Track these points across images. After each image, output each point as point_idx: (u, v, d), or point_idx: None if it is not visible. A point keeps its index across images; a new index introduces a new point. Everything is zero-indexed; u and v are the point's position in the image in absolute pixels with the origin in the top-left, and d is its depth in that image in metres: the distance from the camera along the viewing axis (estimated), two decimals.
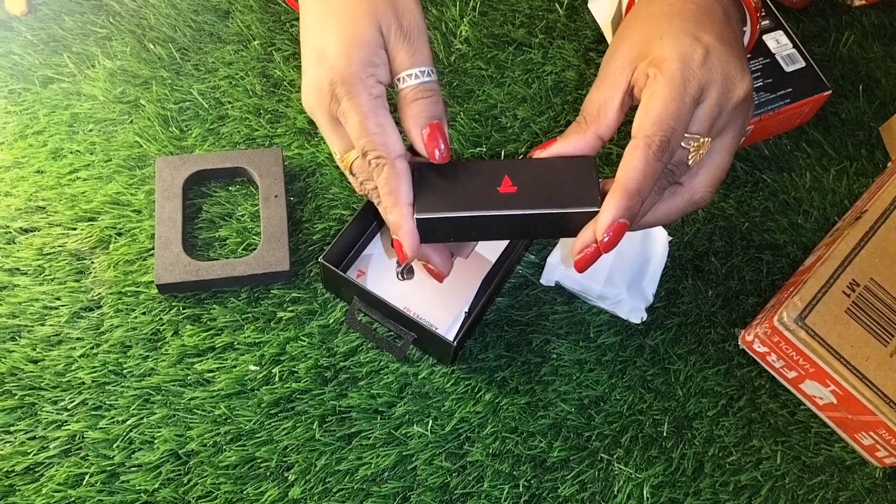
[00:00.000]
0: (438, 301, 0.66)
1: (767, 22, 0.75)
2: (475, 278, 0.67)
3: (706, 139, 0.49)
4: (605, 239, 0.49)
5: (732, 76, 0.48)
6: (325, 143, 0.72)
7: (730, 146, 0.51)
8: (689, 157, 0.49)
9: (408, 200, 0.50)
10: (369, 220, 0.67)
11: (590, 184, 0.50)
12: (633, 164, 0.47)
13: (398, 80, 0.50)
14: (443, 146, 0.50)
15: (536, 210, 0.50)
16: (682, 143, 0.48)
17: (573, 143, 0.51)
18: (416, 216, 0.50)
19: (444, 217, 0.50)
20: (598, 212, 0.49)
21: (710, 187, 0.51)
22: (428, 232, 0.51)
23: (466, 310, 0.65)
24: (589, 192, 0.50)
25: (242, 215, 0.69)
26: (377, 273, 0.66)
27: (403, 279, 0.66)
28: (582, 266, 0.51)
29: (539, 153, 0.52)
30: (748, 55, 0.67)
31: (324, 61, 0.49)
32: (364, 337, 0.65)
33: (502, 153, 0.73)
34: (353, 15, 0.49)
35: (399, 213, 0.50)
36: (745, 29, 0.55)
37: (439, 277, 0.56)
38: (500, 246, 0.68)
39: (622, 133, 0.57)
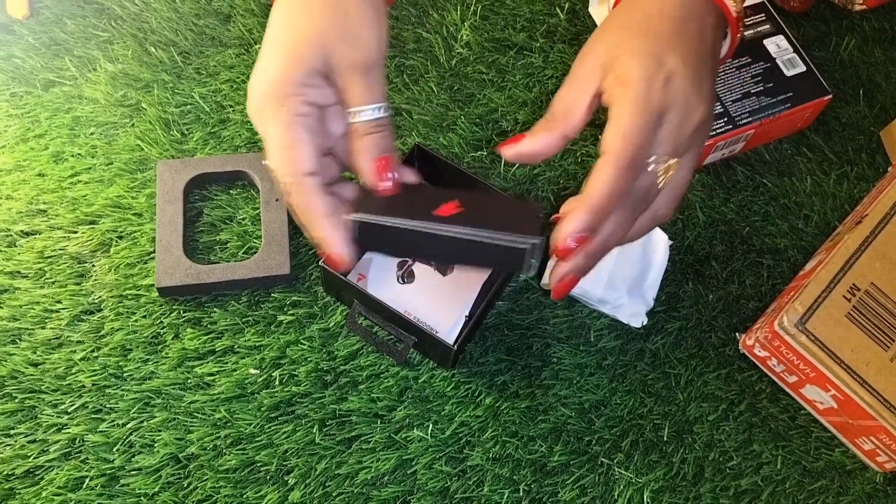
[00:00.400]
0: (439, 305, 0.66)
1: (768, 26, 0.76)
2: (476, 282, 0.67)
3: (674, 160, 0.49)
4: (567, 244, 0.48)
5: (692, 101, 0.49)
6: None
7: (690, 166, 0.52)
8: (659, 179, 0.49)
9: (325, 212, 0.50)
10: None
11: (533, 223, 0.51)
12: (602, 179, 0.48)
13: (350, 113, 0.50)
14: (390, 177, 0.51)
15: (475, 233, 0.50)
16: (652, 166, 0.49)
17: (541, 140, 0.51)
18: (353, 217, 0.50)
19: (380, 224, 0.50)
20: (535, 245, 0.49)
21: (672, 204, 0.52)
22: (365, 239, 0.51)
23: (467, 313, 0.65)
24: (530, 229, 0.50)
25: (243, 219, 0.69)
26: (378, 277, 0.66)
27: (404, 283, 0.66)
28: (559, 294, 0.52)
29: (508, 150, 0.52)
30: (730, 59, 0.67)
31: (265, 76, 0.50)
32: (364, 340, 0.65)
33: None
34: (301, 38, 0.50)
35: (320, 229, 0.50)
36: (724, 42, 0.55)
37: (340, 266, 0.52)
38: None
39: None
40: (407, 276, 0.67)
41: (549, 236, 0.49)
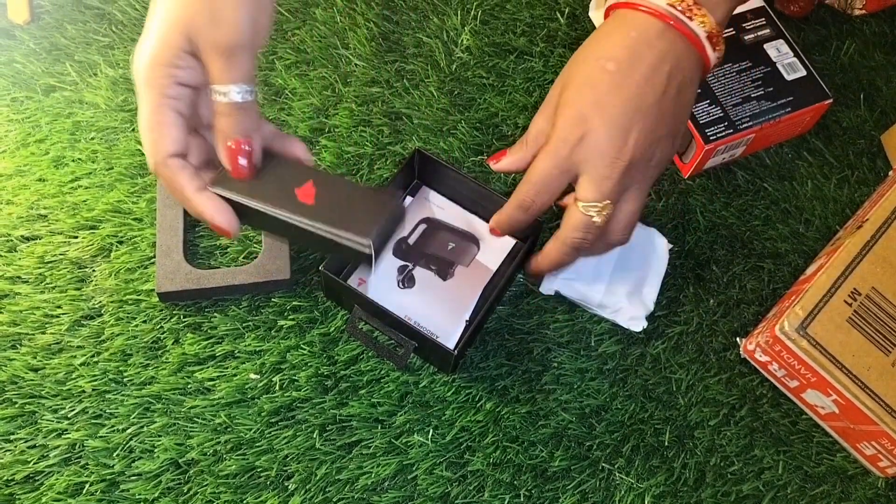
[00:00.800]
0: (439, 309, 0.66)
1: (768, 31, 0.76)
2: (476, 286, 0.67)
3: (605, 202, 0.56)
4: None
5: (608, 155, 0.54)
6: (326, 151, 0.72)
7: (636, 198, 0.57)
8: (595, 219, 0.56)
9: (194, 188, 0.52)
10: None
11: (375, 221, 0.53)
12: (503, 209, 0.60)
13: (212, 91, 0.51)
14: (243, 162, 0.53)
15: (314, 226, 0.53)
16: (584, 211, 0.56)
17: (517, 157, 0.60)
18: (210, 189, 0.53)
19: (231, 199, 0.53)
20: (367, 246, 0.52)
21: (623, 231, 0.59)
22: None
23: (467, 318, 0.65)
24: (367, 227, 0.52)
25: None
26: (378, 281, 0.66)
27: (404, 287, 0.66)
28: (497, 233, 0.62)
29: (492, 164, 0.61)
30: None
31: (137, 59, 0.51)
32: (365, 345, 0.65)
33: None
34: (169, 21, 0.50)
35: (192, 203, 0.52)
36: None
37: (227, 234, 0.54)
38: (500, 255, 0.68)
39: None
40: (407, 281, 0.67)
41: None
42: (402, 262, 0.67)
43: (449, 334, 0.65)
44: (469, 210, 0.70)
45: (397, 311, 0.62)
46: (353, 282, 0.66)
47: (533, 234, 0.66)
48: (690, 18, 0.54)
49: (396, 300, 0.65)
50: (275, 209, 0.53)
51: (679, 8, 0.54)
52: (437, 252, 0.68)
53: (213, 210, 0.53)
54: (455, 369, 0.65)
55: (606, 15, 0.59)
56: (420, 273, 0.67)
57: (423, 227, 0.69)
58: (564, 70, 0.58)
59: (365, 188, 0.55)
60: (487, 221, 0.67)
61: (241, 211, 0.54)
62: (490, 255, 0.68)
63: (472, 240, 0.69)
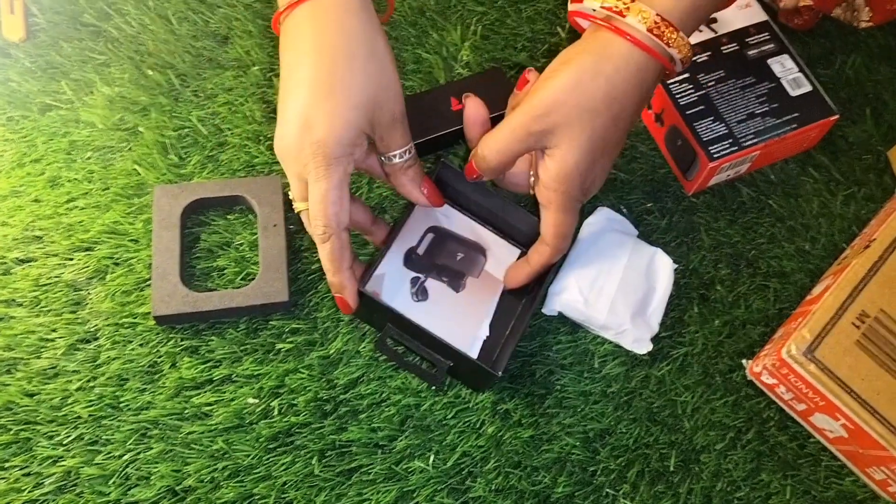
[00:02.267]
0: (455, 323, 0.64)
1: (772, 46, 0.75)
2: (489, 299, 0.66)
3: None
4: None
5: (579, 182, 0.58)
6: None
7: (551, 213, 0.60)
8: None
9: (349, 265, 0.58)
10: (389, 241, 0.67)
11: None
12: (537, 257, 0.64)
13: (392, 156, 0.59)
14: (434, 197, 0.62)
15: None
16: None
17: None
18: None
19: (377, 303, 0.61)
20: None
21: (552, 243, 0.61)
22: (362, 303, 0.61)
23: (486, 333, 0.65)
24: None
25: (241, 244, 0.68)
26: (390, 294, 0.65)
27: (418, 300, 0.65)
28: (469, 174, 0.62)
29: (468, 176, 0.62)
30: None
31: (310, 132, 0.54)
32: (394, 361, 0.63)
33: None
34: (355, 100, 0.55)
35: (342, 277, 0.58)
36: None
37: (347, 308, 0.60)
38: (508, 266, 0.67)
39: None
40: (420, 294, 0.66)
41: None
42: (415, 274, 0.66)
43: (468, 347, 0.63)
44: (481, 219, 0.69)
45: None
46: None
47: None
48: (669, 45, 0.54)
49: (409, 312, 0.64)
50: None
51: (656, 34, 0.54)
52: (447, 263, 0.67)
53: (354, 290, 0.59)
54: (489, 388, 0.64)
55: (574, 15, 0.59)
56: (432, 284, 0.66)
57: (430, 236, 0.68)
58: (539, 107, 0.56)
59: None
60: (503, 233, 0.69)
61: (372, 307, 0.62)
62: (497, 266, 0.67)
63: (480, 250, 0.68)
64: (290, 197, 0.59)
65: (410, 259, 0.67)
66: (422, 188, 0.61)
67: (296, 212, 0.59)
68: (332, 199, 0.55)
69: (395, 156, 0.59)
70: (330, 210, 0.55)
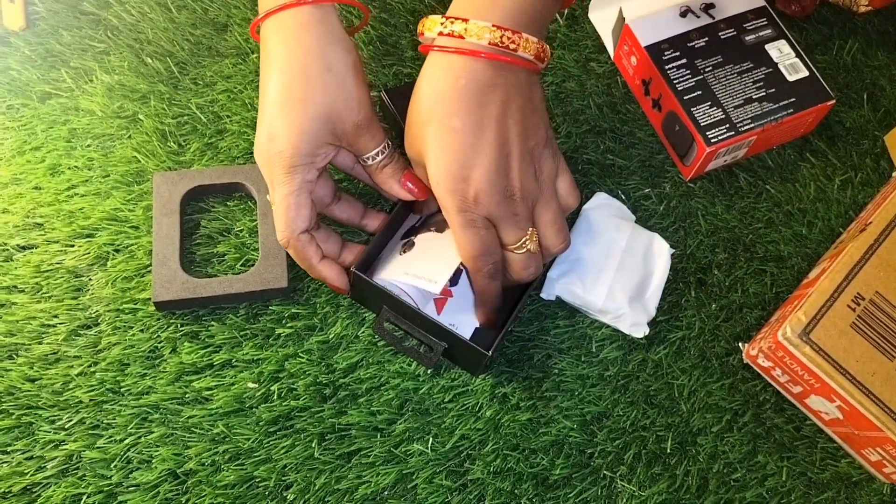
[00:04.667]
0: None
1: (769, 31, 0.75)
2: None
3: (527, 232, 0.58)
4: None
5: (501, 199, 0.56)
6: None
7: (549, 207, 0.59)
8: (531, 248, 0.59)
9: (317, 259, 0.61)
10: (394, 229, 0.67)
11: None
12: (479, 304, 0.64)
13: (366, 158, 0.61)
14: (416, 188, 0.62)
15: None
16: (518, 252, 0.58)
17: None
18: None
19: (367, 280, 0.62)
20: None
21: (557, 238, 0.60)
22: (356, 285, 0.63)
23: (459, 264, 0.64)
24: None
25: (241, 231, 0.68)
26: (383, 263, 0.65)
27: (403, 253, 0.65)
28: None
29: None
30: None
31: (273, 142, 0.58)
32: (391, 344, 0.64)
33: None
34: (311, 112, 0.57)
35: (317, 271, 0.62)
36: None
37: (343, 291, 0.64)
38: None
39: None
40: (407, 247, 0.65)
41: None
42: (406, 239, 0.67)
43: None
44: None
45: (393, 277, 0.62)
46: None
47: None
48: (516, 50, 0.54)
49: (394, 267, 0.64)
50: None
51: (502, 44, 0.53)
52: (437, 217, 0.67)
53: (334, 276, 0.62)
54: (485, 371, 0.64)
55: (422, 50, 0.57)
56: (419, 236, 0.66)
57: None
58: (409, 138, 0.58)
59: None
60: None
61: (367, 293, 0.64)
62: None
63: None
64: (268, 200, 0.62)
65: (408, 234, 0.67)
66: (403, 182, 0.62)
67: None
68: (289, 204, 0.58)
69: (368, 158, 0.61)
70: (287, 215, 0.59)
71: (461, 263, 0.61)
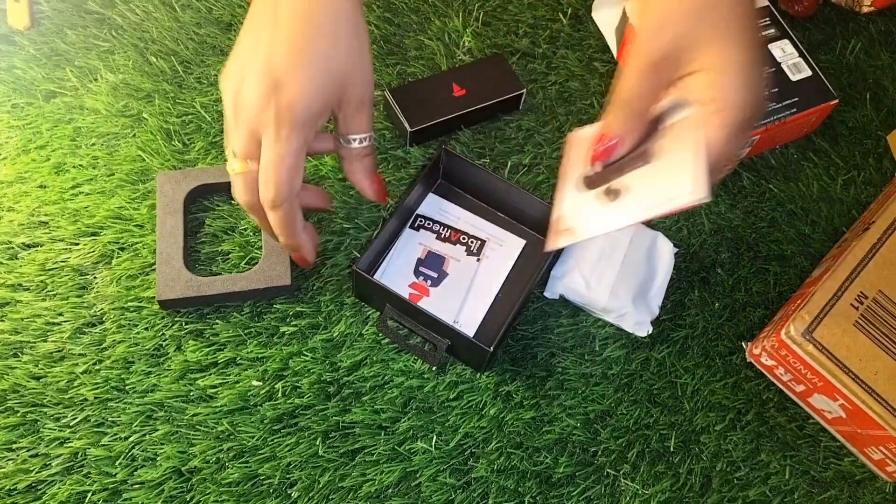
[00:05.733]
0: (460, 305, 0.66)
1: (773, 31, 0.75)
2: (494, 281, 0.67)
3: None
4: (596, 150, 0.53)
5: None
6: (327, 155, 0.72)
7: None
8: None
9: (301, 227, 0.58)
10: (398, 229, 0.68)
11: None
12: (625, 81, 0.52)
13: (352, 139, 0.57)
14: (383, 194, 0.61)
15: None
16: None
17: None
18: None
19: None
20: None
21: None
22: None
23: (489, 306, 0.66)
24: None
25: (245, 229, 0.69)
26: (392, 277, 0.66)
27: (614, 199, 0.57)
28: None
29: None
30: None
31: (278, 91, 0.52)
32: (395, 342, 0.64)
33: (507, 164, 0.73)
34: (329, 72, 0.53)
35: (298, 239, 0.59)
36: None
37: (306, 263, 0.62)
38: (513, 253, 0.68)
39: None
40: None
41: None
42: (419, 256, 0.68)
43: (472, 331, 0.65)
44: (485, 204, 0.71)
45: (642, 215, 0.54)
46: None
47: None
48: None
49: (623, 209, 0.57)
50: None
51: None
52: (626, 158, 0.58)
53: (311, 245, 0.60)
54: (489, 367, 0.64)
55: None
56: (620, 181, 0.58)
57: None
58: (655, 27, 0.49)
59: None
60: (510, 217, 0.70)
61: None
62: (501, 254, 0.68)
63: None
64: (229, 153, 0.56)
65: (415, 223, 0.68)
66: (370, 181, 0.60)
67: (232, 171, 0.56)
68: (289, 164, 0.53)
69: (354, 139, 0.57)
70: (285, 175, 0.54)
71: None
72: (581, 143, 0.56)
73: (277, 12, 0.52)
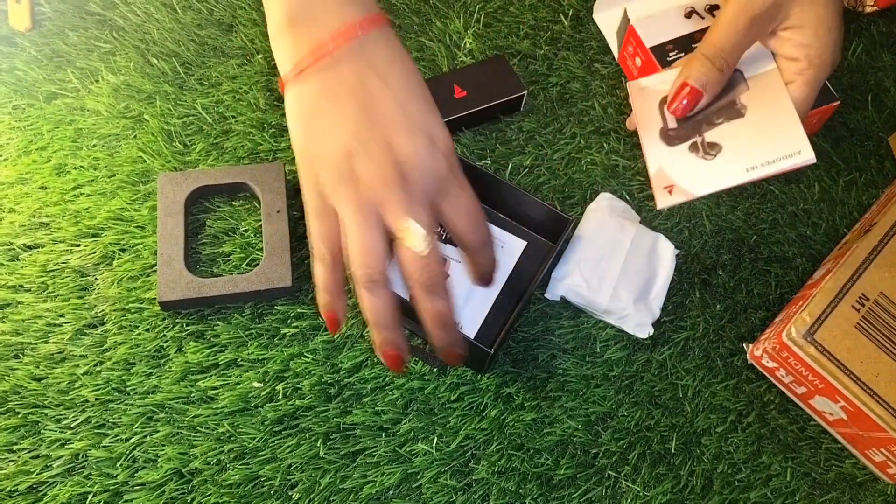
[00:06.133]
0: (461, 306, 0.65)
1: None
2: (494, 285, 0.67)
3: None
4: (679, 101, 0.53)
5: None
6: None
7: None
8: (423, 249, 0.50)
9: (399, 319, 0.51)
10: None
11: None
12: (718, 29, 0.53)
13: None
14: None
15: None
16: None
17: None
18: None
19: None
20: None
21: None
22: None
23: (486, 314, 0.66)
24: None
25: (246, 231, 0.69)
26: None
27: (712, 158, 0.58)
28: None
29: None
30: None
31: (436, 143, 0.47)
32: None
33: (508, 165, 0.73)
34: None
35: (394, 331, 0.51)
36: None
37: (398, 367, 0.54)
38: (514, 255, 0.68)
39: None
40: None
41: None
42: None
43: (472, 334, 0.65)
44: (492, 208, 0.70)
45: (744, 177, 0.55)
46: None
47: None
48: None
49: (726, 170, 0.58)
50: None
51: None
52: (716, 112, 0.60)
53: (405, 346, 0.52)
54: (490, 368, 0.64)
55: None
56: (713, 133, 0.59)
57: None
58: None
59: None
60: (511, 219, 0.69)
61: None
62: (503, 257, 0.68)
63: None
64: (410, 234, 0.48)
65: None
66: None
67: (420, 251, 0.48)
68: (376, 239, 0.49)
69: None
70: (374, 247, 0.49)
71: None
72: (645, 94, 0.54)
73: (395, 71, 0.49)
